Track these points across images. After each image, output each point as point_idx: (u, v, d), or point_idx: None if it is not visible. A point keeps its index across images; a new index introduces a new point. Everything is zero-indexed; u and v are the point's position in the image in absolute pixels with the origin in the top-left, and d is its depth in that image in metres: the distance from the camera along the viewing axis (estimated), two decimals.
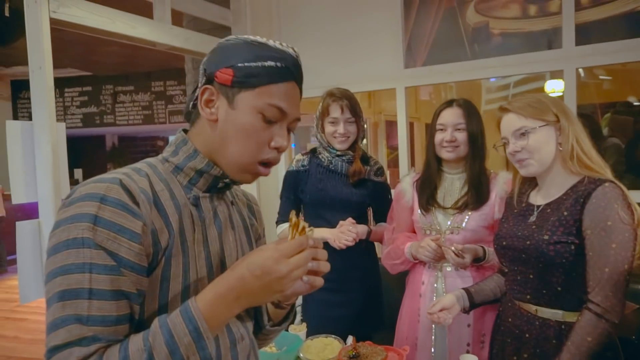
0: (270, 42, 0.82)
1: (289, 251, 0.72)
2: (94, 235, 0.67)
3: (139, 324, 0.73)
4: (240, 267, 0.72)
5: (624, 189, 1.26)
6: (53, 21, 1.75)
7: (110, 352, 0.66)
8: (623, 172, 4.11)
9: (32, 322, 4.83)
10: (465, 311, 1.51)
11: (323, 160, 1.94)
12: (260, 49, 0.80)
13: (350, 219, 1.86)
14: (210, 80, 0.80)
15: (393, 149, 5.39)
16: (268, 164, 0.83)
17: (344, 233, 1.80)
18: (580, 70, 4.56)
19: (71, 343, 0.65)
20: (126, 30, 2.03)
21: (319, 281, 0.81)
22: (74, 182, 8.24)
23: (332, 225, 1.87)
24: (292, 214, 0.81)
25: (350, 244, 1.79)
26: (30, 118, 1.76)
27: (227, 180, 0.84)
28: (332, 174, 1.93)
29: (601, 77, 5.30)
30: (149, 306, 0.74)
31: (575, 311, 1.28)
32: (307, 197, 1.93)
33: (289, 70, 0.81)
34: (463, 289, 1.53)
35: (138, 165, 0.80)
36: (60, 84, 8.25)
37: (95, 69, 7.97)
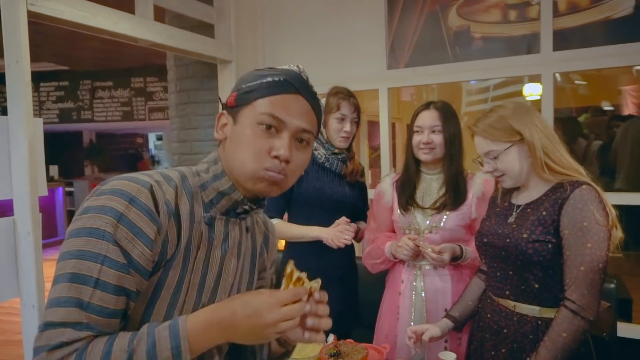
0: (280, 66, 0.87)
1: (284, 300, 0.73)
2: (114, 231, 0.72)
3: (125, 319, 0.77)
4: (236, 302, 0.73)
5: (600, 191, 1.31)
6: (31, 14, 1.71)
7: (96, 342, 0.70)
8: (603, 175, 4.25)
9: (5, 322, 4.70)
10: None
11: (319, 157, 1.91)
12: (264, 71, 0.85)
13: (344, 218, 1.86)
14: (225, 107, 0.88)
15: (374, 149, 5.42)
16: (275, 171, 0.83)
17: (342, 232, 1.80)
18: (557, 75, 4.69)
19: (67, 324, 0.69)
20: (107, 26, 2.00)
21: (319, 337, 0.82)
22: (49, 179, 8.05)
23: (323, 224, 1.86)
24: (289, 265, 0.81)
25: (349, 242, 1.80)
26: (5, 113, 1.72)
27: (246, 206, 0.87)
28: (328, 173, 1.91)
29: (577, 82, 5.45)
30: (137, 306, 0.77)
31: (552, 307, 1.33)
32: (303, 195, 1.89)
33: (289, 83, 0.83)
34: (449, 316, 1.55)
35: (171, 173, 0.84)
36: (36, 78, 8.04)
37: (73, 63, 7.81)
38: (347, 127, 1.86)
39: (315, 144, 1.95)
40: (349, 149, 1.94)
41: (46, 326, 0.69)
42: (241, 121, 0.83)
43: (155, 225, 0.75)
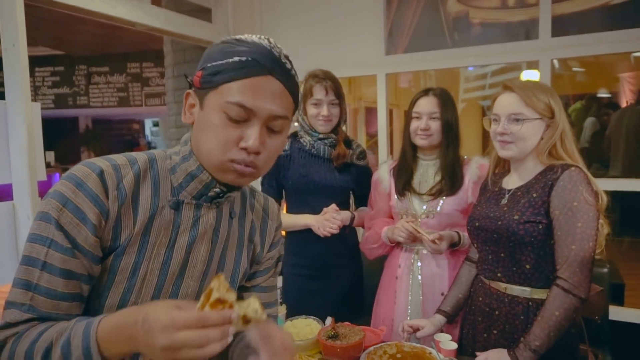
0: (247, 37, 0.78)
1: (181, 323, 0.60)
2: (59, 215, 0.72)
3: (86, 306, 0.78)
4: (142, 311, 0.64)
5: (588, 174, 1.34)
6: None
7: (35, 328, 0.71)
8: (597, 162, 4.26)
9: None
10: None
11: (305, 144, 1.89)
12: (231, 46, 0.76)
13: (333, 206, 1.83)
14: (191, 85, 0.81)
15: (372, 136, 5.43)
16: (240, 163, 0.77)
17: (329, 221, 1.79)
18: (555, 61, 4.69)
19: (14, 304, 0.72)
20: (105, 9, 1.98)
21: None
22: (45, 165, 8.01)
23: (316, 211, 1.85)
24: (215, 279, 0.64)
25: (335, 231, 1.78)
26: (2, 97, 1.71)
27: (217, 189, 0.82)
28: (314, 159, 1.89)
29: (575, 69, 5.44)
30: (93, 291, 0.78)
31: (543, 288, 1.36)
32: (289, 183, 1.88)
33: (258, 64, 0.75)
34: (441, 312, 1.58)
35: (139, 156, 0.82)
36: (31, 63, 7.96)
37: (68, 48, 7.73)
38: (324, 111, 1.82)
39: (300, 132, 1.93)
40: (336, 132, 1.91)
41: (5, 305, 0.73)
42: (207, 106, 0.77)
43: (99, 210, 0.74)
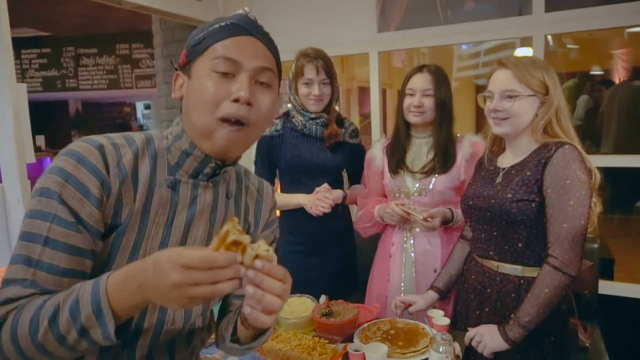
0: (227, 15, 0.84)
1: (189, 262, 0.61)
2: (62, 190, 0.72)
3: None
4: (151, 257, 0.64)
5: (582, 151, 1.33)
6: None
7: (39, 298, 0.70)
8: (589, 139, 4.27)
9: None
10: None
11: (297, 124, 1.89)
12: (211, 23, 0.82)
13: (325, 185, 1.83)
14: (178, 67, 0.85)
15: (365, 116, 5.40)
16: (231, 121, 0.77)
17: (320, 200, 1.79)
18: (549, 38, 4.66)
19: (14, 281, 0.71)
20: None
21: (262, 318, 0.68)
22: (36, 149, 7.93)
23: (310, 190, 1.85)
24: (228, 223, 0.65)
25: (327, 210, 1.79)
26: None
27: (212, 164, 0.83)
28: (307, 138, 1.89)
29: (569, 46, 5.42)
30: (94, 269, 0.76)
31: (534, 267, 1.37)
32: (282, 163, 1.89)
33: (237, 26, 0.80)
34: (434, 288, 1.59)
35: (136, 136, 0.82)
36: (16, 44, 7.79)
37: (55, 29, 7.56)
38: (315, 90, 1.80)
39: (292, 112, 1.93)
40: (328, 111, 1.90)
41: (3, 282, 0.72)
42: (195, 74, 0.80)
43: (101, 185, 0.74)
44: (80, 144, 0.75)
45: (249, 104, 0.78)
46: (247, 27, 0.81)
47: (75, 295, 0.67)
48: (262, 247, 0.67)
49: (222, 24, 0.80)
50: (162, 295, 0.62)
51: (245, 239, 0.65)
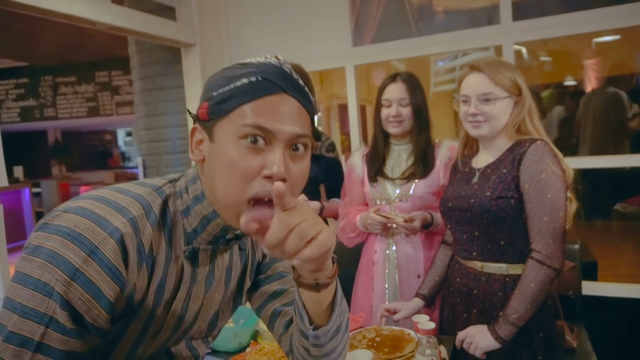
0: (253, 59, 0.70)
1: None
2: (66, 291, 0.59)
3: None
4: None
5: (554, 147, 1.36)
6: None
7: None
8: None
9: None
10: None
11: None
12: (235, 70, 0.68)
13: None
14: (196, 119, 0.71)
15: (347, 135, 5.44)
16: (263, 201, 0.65)
17: None
18: (524, 51, 4.79)
19: None
20: (60, 7, 1.92)
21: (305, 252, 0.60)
22: (14, 180, 7.77)
23: None
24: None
25: None
26: None
27: (237, 231, 0.73)
28: None
29: (542, 58, 5.58)
30: (97, 349, 0.69)
31: (518, 264, 1.37)
32: None
33: (269, 82, 0.66)
34: (419, 295, 1.58)
35: (153, 199, 0.69)
36: None
37: (31, 58, 7.53)
38: None
39: None
40: None
41: None
42: (219, 138, 0.67)
43: (118, 286, 0.62)
44: (94, 227, 0.61)
45: (283, 180, 0.65)
46: (282, 84, 0.67)
47: None
48: None
49: (253, 79, 0.66)
50: None
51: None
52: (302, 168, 0.70)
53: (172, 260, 0.70)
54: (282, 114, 0.66)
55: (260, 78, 0.66)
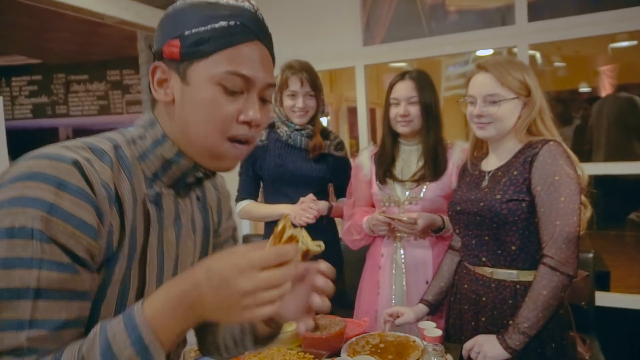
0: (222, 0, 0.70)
1: (261, 262, 0.56)
2: (47, 226, 0.56)
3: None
4: (199, 271, 0.58)
5: (567, 148, 1.31)
6: None
7: None
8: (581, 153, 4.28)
9: None
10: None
11: (282, 134, 1.88)
12: (209, 9, 0.68)
13: (310, 195, 1.81)
14: (160, 56, 0.70)
15: (357, 139, 5.40)
16: (241, 141, 0.70)
17: (305, 210, 1.75)
18: (538, 56, 4.72)
19: (2, 353, 0.56)
20: (71, 0, 1.91)
21: (309, 321, 0.72)
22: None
23: (293, 201, 1.82)
24: (282, 220, 0.64)
25: (311, 221, 1.74)
26: None
27: (199, 173, 0.75)
28: (291, 149, 1.88)
29: (556, 64, 5.50)
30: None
31: (530, 270, 1.31)
32: (265, 173, 1.88)
33: (247, 28, 0.68)
34: (423, 301, 1.53)
35: (102, 144, 0.67)
36: (7, 72, 7.83)
37: (45, 56, 7.60)
38: (300, 103, 1.81)
39: (277, 123, 1.92)
40: (313, 123, 1.89)
41: None
42: (194, 81, 0.67)
43: (94, 209, 0.60)
44: (51, 164, 0.59)
45: (257, 126, 0.71)
46: (257, 31, 0.69)
47: (105, 340, 0.56)
48: (307, 238, 0.67)
49: (232, 23, 0.67)
50: (225, 309, 0.57)
51: (298, 232, 0.64)
52: (267, 115, 0.74)
53: (138, 203, 0.69)
54: (259, 63, 0.69)
55: (238, 23, 0.68)
